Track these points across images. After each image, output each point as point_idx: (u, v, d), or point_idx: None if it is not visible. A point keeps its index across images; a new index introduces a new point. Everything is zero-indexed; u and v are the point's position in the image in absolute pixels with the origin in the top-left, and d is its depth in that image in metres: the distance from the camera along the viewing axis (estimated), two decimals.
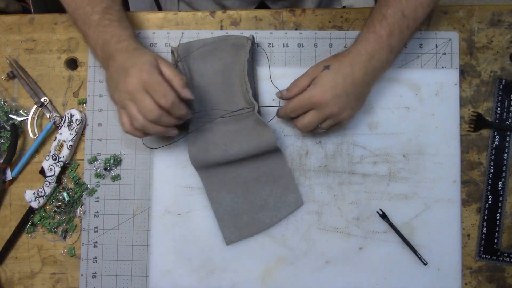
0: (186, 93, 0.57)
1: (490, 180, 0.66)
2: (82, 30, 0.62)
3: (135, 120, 0.56)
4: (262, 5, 0.85)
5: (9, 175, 0.68)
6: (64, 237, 0.68)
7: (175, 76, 0.56)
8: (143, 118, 0.55)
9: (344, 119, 0.61)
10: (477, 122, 0.67)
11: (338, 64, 0.59)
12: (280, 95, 0.63)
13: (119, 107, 0.58)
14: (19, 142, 0.69)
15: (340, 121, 0.61)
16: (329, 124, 0.61)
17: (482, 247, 0.66)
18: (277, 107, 0.65)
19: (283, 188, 0.65)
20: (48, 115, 0.69)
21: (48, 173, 0.67)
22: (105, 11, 0.60)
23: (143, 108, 0.55)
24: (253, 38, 0.67)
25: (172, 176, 0.67)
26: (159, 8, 0.95)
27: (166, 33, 0.69)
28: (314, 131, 0.64)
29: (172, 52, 0.67)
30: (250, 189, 0.65)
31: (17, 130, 0.68)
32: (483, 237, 0.66)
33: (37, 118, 0.69)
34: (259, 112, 0.64)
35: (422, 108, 0.67)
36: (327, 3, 0.91)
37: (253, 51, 0.68)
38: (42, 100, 0.68)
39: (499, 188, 0.66)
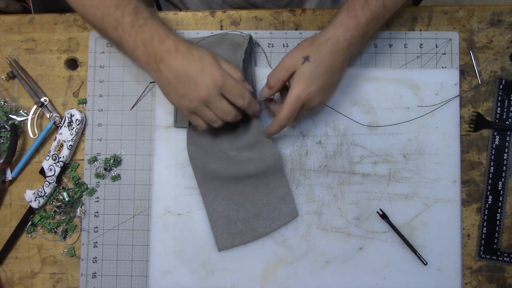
0: (247, 86, 0.59)
1: (490, 180, 0.66)
2: (114, 36, 0.59)
3: (214, 122, 0.58)
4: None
5: (9, 175, 0.68)
6: (64, 237, 0.68)
7: (235, 71, 0.58)
8: (221, 120, 0.58)
9: (318, 106, 0.61)
10: (477, 122, 0.67)
11: (318, 55, 0.57)
12: (263, 94, 0.61)
13: (189, 113, 0.59)
14: (19, 142, 0.69)
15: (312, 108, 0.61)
16: (303, 112, 0.61)
17: (482, 247, 0.66)
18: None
19: (279, 198, 0.65)
20: (48, 115, 0.69)
21: (48, 173, 0.67)
22: (136, 11, 0.58)
23: (220, 112, 0.57)
24: (251, 37, 0.66)
25: (172, 176, 0.67)
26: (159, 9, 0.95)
27: None
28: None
29: None
30: (247, 197, 0.65)
31: (17, 130, 0.68)
32: (483, 237, 0.66)
33: (37, 118, 0.69)
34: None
35: (422, 108, 0.67)
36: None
37: (251, 50, 0.67)
38: (42, 100, 0.68)
39: (499, 188, 0.66)
